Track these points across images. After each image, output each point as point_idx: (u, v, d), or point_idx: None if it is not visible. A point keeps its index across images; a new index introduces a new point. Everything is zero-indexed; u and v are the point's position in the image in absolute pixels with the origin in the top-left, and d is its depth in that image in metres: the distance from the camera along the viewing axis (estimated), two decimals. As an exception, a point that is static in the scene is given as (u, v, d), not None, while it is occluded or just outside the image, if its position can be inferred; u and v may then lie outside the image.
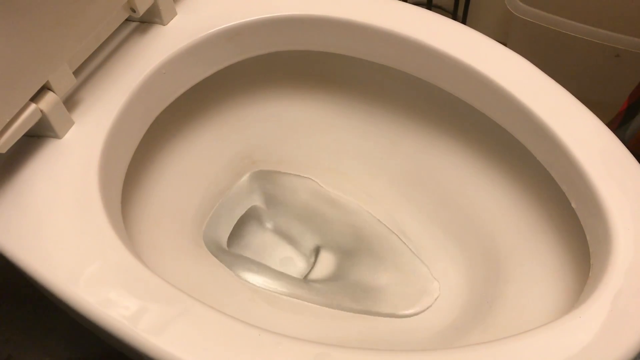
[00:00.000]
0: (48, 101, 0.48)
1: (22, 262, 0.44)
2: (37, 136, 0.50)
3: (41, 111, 0.47)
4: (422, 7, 0.60)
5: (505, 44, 0.57)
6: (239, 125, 0.71)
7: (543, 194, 0.57)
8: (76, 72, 0.51)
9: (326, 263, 0.67)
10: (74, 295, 0.42)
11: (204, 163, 0.68)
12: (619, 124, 0.89)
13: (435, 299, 0.63)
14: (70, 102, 0.52)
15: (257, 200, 0.72)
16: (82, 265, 0.43)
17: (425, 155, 0.68)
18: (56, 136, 0.50)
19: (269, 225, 0.71)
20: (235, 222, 0.69)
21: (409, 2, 0.60)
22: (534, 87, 0.53)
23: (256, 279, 0.64)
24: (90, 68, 0.55)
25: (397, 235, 0.68)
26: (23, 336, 0.82)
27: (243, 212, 0.70)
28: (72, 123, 0.50)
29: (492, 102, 0.55)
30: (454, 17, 1.03)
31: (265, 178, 0.73)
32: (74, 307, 0.42)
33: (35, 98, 0.47)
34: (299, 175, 0.73)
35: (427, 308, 0.63)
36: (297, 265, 0.69)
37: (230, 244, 0.68)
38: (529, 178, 0.58)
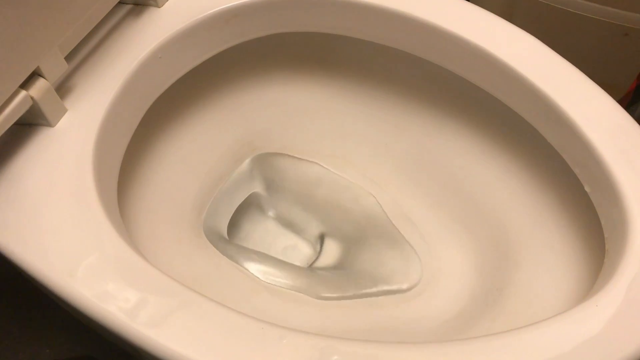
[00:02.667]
0: (39, 88, 0.46)
1: (15, 256, 0.43)
2: (28, 124, 0.48)
3: (32, 98, 0.46)
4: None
5: (512, 23, 0.55)
6: (239, 111, 0.69)
7: (554, 178, 0.56)
8: (68, 58, 0.50)
9: (331, 251, 0.66)
10: (69, 289, 0.41)
11: (203, 150, 0.67)
12: (627, 104, 0.88)
13: (443, 287, 0.62)
14: (62, 88, 0.50)
15: (257, 187, 0.70)
16: (77, 258, 0.42)
17: (431, 139, 0.66)
18: (48, 124, 0.48)
19: (270, 212, 0.70)
20: (235, 209, 0.68)
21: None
22: (544, 67, 0.52)
23: (258, 268, 0.63)
24: (82, 53, 0.53)
25: (402, 222, 0.67)
26: (22, 328, 0.81)
27: (243, 199, 0.69)
28: (64, 110, 0.49)
29: (501, 83, 0.54)
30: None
31: (266, 163, 0.71)
32: (69, 301, 0.41)
33: (25, 85, 0.46)
34: (301, 159, 0.71)
35: (434, 295, 0.62)
36: (300, 253, 0.67)
37: (230, 233, 0.67)
38: (539, 161, 0.57)
